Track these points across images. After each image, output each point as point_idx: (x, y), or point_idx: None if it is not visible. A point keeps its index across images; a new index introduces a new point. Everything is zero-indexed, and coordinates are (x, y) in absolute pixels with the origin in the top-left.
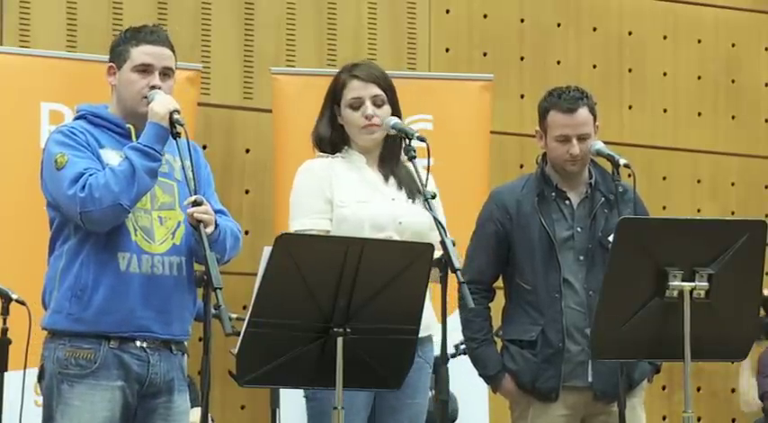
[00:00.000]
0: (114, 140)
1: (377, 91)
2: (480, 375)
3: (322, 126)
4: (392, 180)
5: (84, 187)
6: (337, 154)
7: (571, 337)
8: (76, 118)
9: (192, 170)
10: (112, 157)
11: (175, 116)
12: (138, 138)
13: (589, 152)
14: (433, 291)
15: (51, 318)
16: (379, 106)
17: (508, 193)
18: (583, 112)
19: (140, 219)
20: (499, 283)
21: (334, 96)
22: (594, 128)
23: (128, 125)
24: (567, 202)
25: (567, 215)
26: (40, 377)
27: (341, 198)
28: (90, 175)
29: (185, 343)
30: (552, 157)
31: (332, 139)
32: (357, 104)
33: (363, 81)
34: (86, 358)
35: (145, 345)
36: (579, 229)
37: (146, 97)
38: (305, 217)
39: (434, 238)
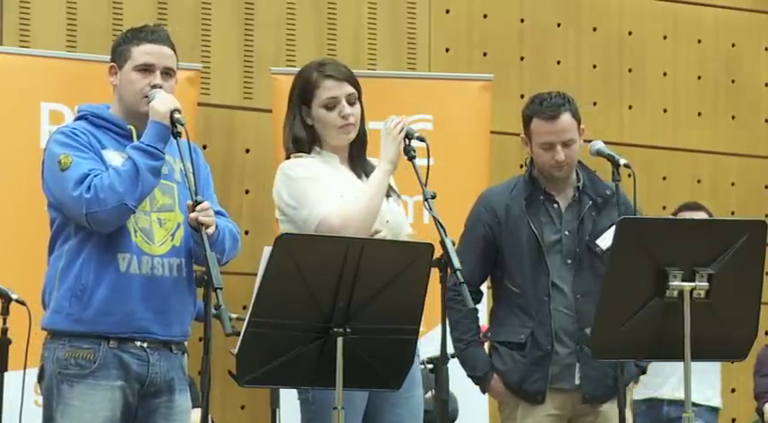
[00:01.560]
0: (116, 141)
1: (350, 89)
2: (469, 376)
3: (297, 127)
4: (365, 178)
5: (89, 188)
6: (312, 154)
7: (559, 340)
8: (78, 118)
9: (193, 172)
10: (114, 157)
11: (176, 115)
12: (139, 138)
13: (576, 157)
14: None
15: (51, 318)
16: (352, 105)
17: (497, 196)
18: (566, 119)
19: (140, 220)
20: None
21: (303, 96)
22: (579, 131)
23: (129, 126)
24: (555, 205)
25: (555, 219)
26: (40, 377)
27: (339, 193)
28: (95, 176)
29: (185, 343)
30: (539, 164)
31: (307, 139)
32: (333, 104)
33: (338, 80)
34: (86, 358)
35: (145, 344)
36: (567, 233)
37: (147, 97)
38: (325, 200)
39: (405, 232)
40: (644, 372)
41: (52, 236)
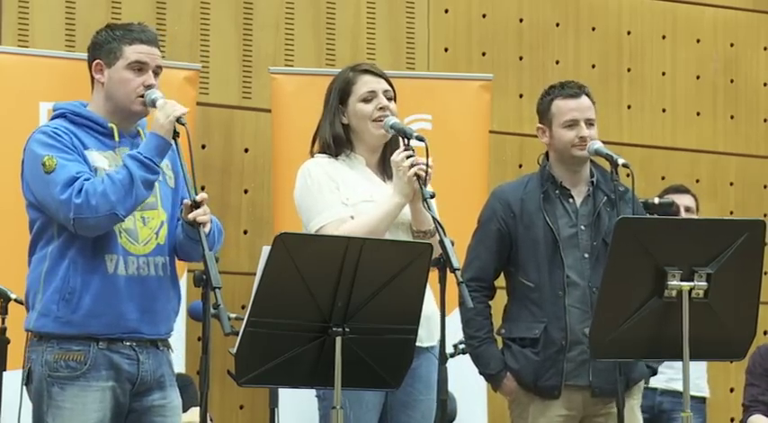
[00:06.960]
0: (98, 141)
1: (387, 86)
2: (481, 373)
3: (337, 125)
4: (390, 182)
5: (80, 192)
6: (339, 157)
7: (574, 335)
8: (56, 117)
9: (192, 171)
10: (98, 158)
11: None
12: (120, 137)
13: (596, 140)
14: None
15: (39, 321)
16: (389, 100)
17: (511, 192)
18: (586, 99)
19: (125, 221)
20: (500, 282)
21: (340, 94)
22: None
23: (110, 125)
24: (571, 200)
25: (571, 213)
26: (28, 381)
27: (347, 195)
28: (85, 179)
29: (169, 340)
30: (560, 146)
31: (341, 140)
32: (371, 97)
33: (375, 75)
34: (76, 360)
35: (133, 344)
36: (583, 228)
37: (141, 96)
38: (326, 210)
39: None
40: (655, 373)
41: (33, 237)
